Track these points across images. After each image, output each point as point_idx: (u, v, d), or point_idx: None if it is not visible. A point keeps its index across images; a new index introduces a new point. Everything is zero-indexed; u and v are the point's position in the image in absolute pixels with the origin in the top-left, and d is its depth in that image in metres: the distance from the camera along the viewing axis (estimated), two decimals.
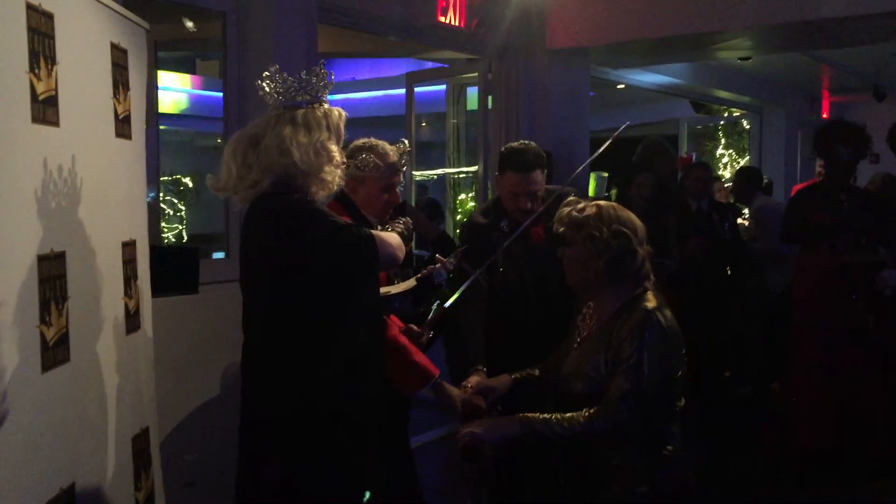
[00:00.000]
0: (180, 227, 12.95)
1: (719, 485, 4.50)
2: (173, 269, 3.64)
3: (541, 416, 2.25)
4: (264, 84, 2.37)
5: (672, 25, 5.80)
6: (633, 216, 2.42)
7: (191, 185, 13.25)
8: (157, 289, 3.37)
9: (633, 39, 6.03)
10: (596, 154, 3.26)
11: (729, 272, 6.15)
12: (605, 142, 3.18)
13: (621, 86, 9.45)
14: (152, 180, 4.37)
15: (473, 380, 2.77)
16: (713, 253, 5.59)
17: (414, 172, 6.80)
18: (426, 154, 12.68)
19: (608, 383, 2.25)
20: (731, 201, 6.98)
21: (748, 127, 10.99)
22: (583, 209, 2.39)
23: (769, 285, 5.94)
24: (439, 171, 9.21)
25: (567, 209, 2.42)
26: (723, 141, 11.14)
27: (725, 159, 10.85)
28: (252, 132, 2.37)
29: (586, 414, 2.21)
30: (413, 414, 3.35)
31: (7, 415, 1.90)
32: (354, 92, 14.36)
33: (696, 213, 5.75)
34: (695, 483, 2.36)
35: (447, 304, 2.76)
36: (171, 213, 12.86)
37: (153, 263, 3.14)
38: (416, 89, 6.77)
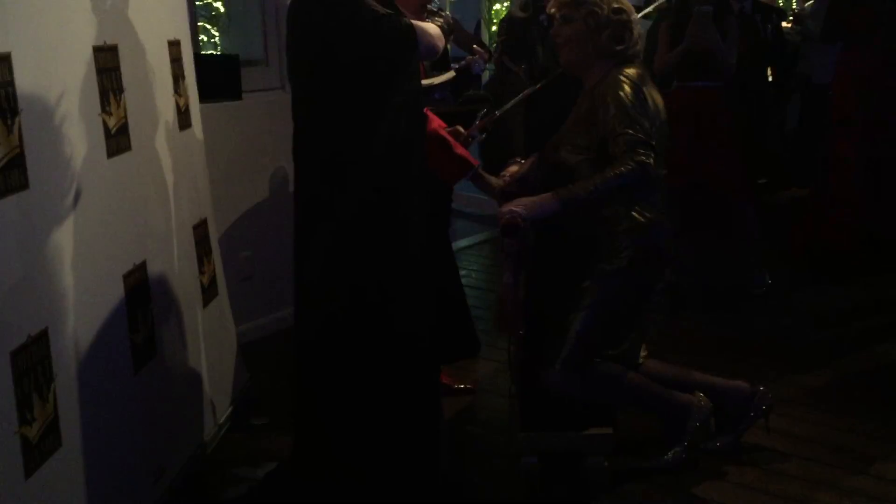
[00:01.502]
0: (215, 53, 12.87)
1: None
2: (216, 75, 3.73)
3: (571, 186, 2.39)
4: None
5: None
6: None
7: (223, 9, 13.04)
8: (202, 95, 3.48)
9: None
10: None
11: (771, 76, 6.08)
12: None
13: None
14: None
15: (512, 169, 2.89)
16: (755, 56, 5.51)
17: None
18: None
19: (612, 140, 2.40)
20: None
21: None
22: None
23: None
24: None
25: None
26: None
27: None
28: None
29: (611, 168, 2.35)
30: (454, 222, 3.51)
31: (80, 195, 2.08)
32: None
33: (738, 14, 5.62)
34: (672, 250, 2.61)
35: (498, 112, 2.83)
36: (206, 38, 12.75)
37: (196, 70, 3.23)
38: None
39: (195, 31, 4.61)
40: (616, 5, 2.52)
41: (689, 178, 4.26)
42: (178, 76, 2.84)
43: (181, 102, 2.86)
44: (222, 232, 3.64)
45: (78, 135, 2.09)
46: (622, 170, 2.34)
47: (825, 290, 4.55)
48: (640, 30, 2.56)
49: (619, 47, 2.51)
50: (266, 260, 3.93)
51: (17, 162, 1.80)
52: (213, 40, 13.29)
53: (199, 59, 3.58)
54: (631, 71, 2.50)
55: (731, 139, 4.42)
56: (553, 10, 2.56)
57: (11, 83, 1.78)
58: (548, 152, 2.63)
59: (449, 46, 3.18)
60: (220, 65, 3.91)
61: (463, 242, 5.54)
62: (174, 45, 2.83)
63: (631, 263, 2.49)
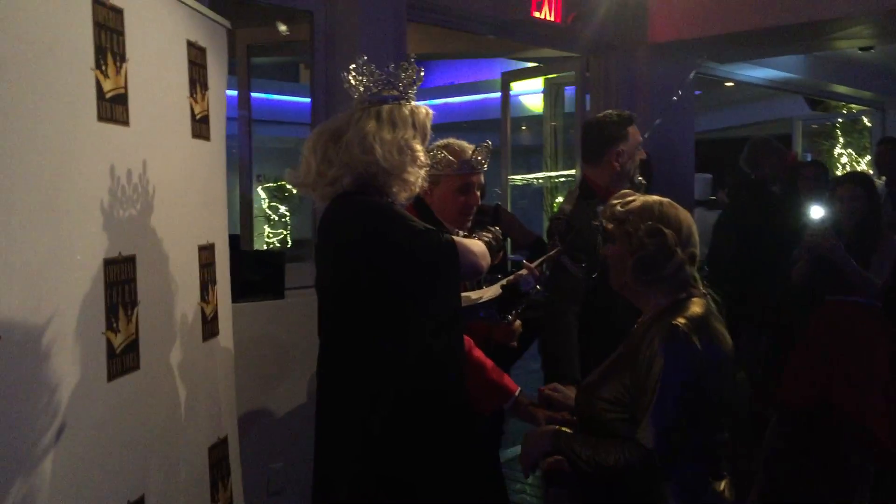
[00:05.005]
0: (285, 232, 13.23)
1: None
2: (259, 273, 3.58)
3: (574, 439, 2.03)
4: (350, 76, 2.25)
5: (784, 14, 5.39)
6: (682, 214, 2.11)
7: (294, 190, 13.49)
8: (243, 293, 3.31)
9: (742, 30, 5.64)
10: None
11: None
12: (711, 144, 2.95)
13: (730, 83, 8.98)
14: (245, 184, 4.36)
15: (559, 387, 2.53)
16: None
17: (511, 176, 6.62)
18: (525, 159, 12.49)
19: (635, 409, 1.98)
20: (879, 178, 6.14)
21: (869, 125, 10.30)
22: (627, 203, 2.12)
23: None
24: (537, 175, 9.01)
25: (614, 202, 2.15)
26: (841, 140, 10.47)
27: (844, 159, 10.19)
28: (334, 126, 2.26)
29: (612, 445, 1.96)
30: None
31: (65, 426, 1.83)
32: (453, 97, 14.35)
33: None
34: None
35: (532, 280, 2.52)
36: (277, 218, 13.18)
37: (238, 268, 3.07)
38: (515, 93, 6.57)
39: (250, 219, 4.58)
40: (653, 224, 2.04)
41: (814, 400, 3.73)
42: (206, 282, 2.66)
43: (208, 310, 2.66)
44: (251, 441, 3.35)
45: (72, 358, 1.86)
46: (619, 454, 1.93)
47: None
48: (686, 254, 2.05)
49: (654, 276, 2.04)
50: (299, 472, 3.59)
51: None
52: (283, 219, 13.48)
53: (241, 255, 3.45)
54: (684, 315, 1.98)
55: (886, 370, 3.72)
56: (608, 226, 2.23)
57: None
58: (581, 394, 2.24)
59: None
60: (263, 261, 3.76)
61: (513, 451, 5.12)
62: (205, 250, 2.66)
63: None
